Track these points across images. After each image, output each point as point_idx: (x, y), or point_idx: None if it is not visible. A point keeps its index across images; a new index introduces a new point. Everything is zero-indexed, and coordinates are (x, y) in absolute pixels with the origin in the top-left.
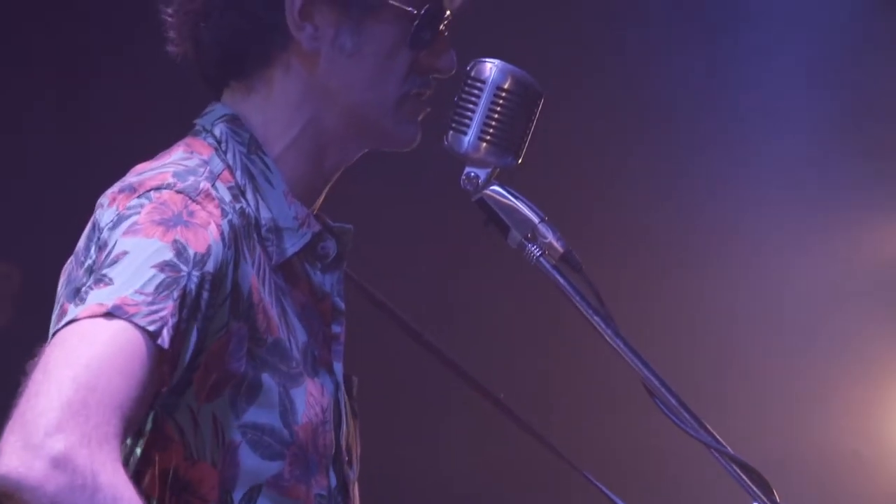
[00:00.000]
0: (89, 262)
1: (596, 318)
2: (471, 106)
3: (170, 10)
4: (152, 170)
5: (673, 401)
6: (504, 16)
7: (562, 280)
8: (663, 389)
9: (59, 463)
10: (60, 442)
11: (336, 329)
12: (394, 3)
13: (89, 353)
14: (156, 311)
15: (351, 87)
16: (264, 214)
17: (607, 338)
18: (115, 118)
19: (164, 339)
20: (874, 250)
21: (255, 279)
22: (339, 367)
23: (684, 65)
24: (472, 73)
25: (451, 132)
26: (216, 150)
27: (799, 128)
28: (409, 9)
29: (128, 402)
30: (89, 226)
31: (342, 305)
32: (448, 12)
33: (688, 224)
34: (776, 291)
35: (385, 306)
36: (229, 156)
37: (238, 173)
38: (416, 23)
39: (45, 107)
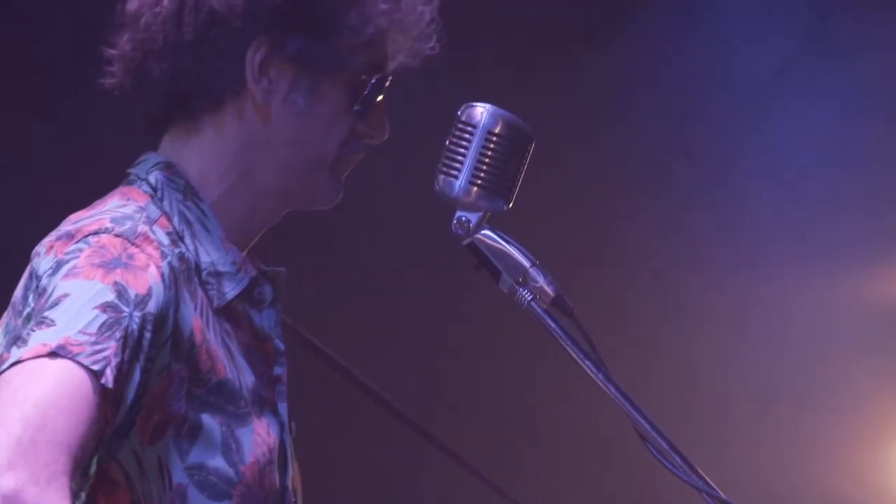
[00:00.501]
0: (28, 310)
1: (587, 362)
2: (462, 150)
3: (117, 43)
4: (89, 217)
5: (664, 444)
6: (494, 55)
7: (553, 324)
8: (655, 433)
9: (9, 500)
10: (10, 480)
11: (278, 370)
12: (350, 69)
13: (36, 392)
14: (99, 351)
15: (293, 143)
16: (204, 259)
17: (599, 382)
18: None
19: (108, 378)
20: (874, 294)
21: (198, 320)
22: (283, 408)
23: (684, 104)
24: (463, 118)
25: (441, 176)
26: (152, 197)
27: (803, 171)
28: (363, 77)
29: (75, 440)
30: (26, 275)
31: (282, 346)
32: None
33: (685, 268)
34: (774, 336)
35: (319, 349)
36: (165, 203)
37: (175, 219)
38: (366, 91)
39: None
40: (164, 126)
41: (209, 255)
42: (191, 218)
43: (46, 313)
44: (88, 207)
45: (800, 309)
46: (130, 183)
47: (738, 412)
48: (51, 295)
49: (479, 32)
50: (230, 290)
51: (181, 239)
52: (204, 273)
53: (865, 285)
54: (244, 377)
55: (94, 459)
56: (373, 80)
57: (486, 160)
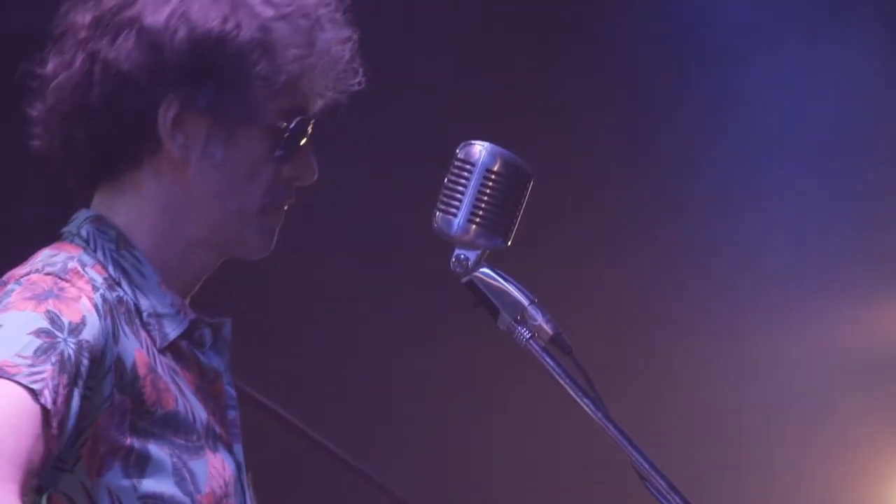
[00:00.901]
0: None
1: (585, 400)
2: (460, 188)
3: (37, 106)
4: (21, 268)
5: (663, 484)
6: (495, 90)
7: (551, 362)
8: (654, 473)
9: None
10: None
11: (231, 414)
12: (265, 117)
13: None
14: (37, 373)
15: (215, 196)
16: (143, 302)
17: (597, 420)
18: None
19: (47, 398)
20: (875, 333)
21: (141, 353)
22: (238, 449)
23: (689, 147)
24: (462, 156)
25: (440, 214)
26: (84, 248)
27: (801, 208)
28: (280, 124)
29: (22, 452)
30: None
31: (234, 392)
32: (312, 122)
33: (685, 309)
34: (775, 374)
35: (264, 405)
36: (99, 253)
37: (110, 267)
38: (285, 136)
39: None
40: (92, 186)
41: (148, 298)
42: (126, 265)
43: None
44: (21, 264)
45: (798, 351)
46: (62, 239)
47: (736, 452)
48: None
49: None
50: (172, 331)
51: (118, 284)
52: (144, 315)
53: (862, 326)
54: (196, 412)
55: (45, 498)
56: (291, 125)
57: (485, 198)
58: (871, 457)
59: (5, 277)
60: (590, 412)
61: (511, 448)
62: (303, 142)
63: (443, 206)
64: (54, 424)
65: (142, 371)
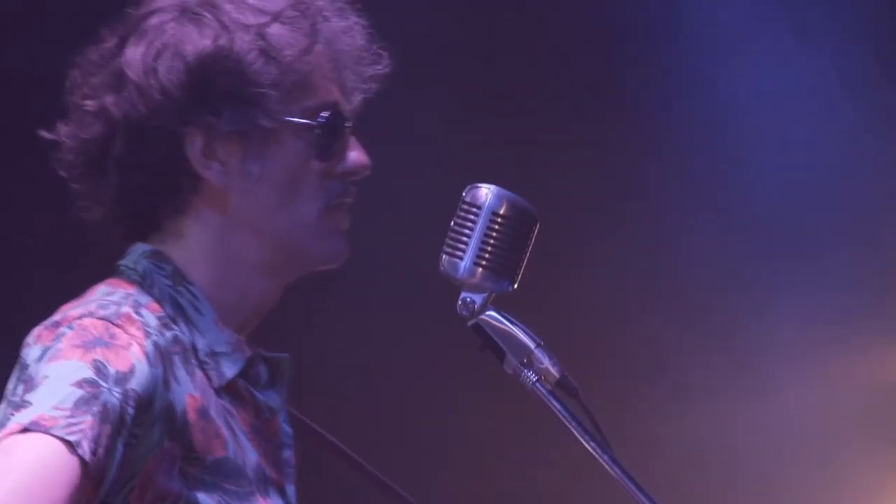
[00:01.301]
0: (14, 397)
1: (592, 443)
2: (467, 231)
3: (66, 174)
4: (76, 307)
5: None
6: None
7: (558, 405)
8: None
9: None
10: None
11: (286, 453)
12: (290, 120)
13: (12, 466)
14: (74, 424)
15: (266, 213)
16: (199, 340)
17: (604, 464)
18: None
19: (85, 450)
20: (878, 376)
21: (193, 399)
22: (291, 490)
23: (694, 197)
24: (468, 199)
25: (446, 257)
26: (140, 285)
27: (808, 255)
28: (307, 122)
29: None
30: (17, 366)
31: (289, 430)
32: (347, 115)
33: (692, 351)
34: (780, 419)
35: (325, 438)
36: (155, 290)
37: (167, 305)
38: (318, 134)
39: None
40: (143, 239)
41: (204, 336)
42: (182, 302)
43: (26, 397)
44: (77, 298)
45: (807, 390)
46: (119, 274)
47: (742, 493)
48: (34, 380)
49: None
50: (228, 370)
51: (174, 322)
52: (200, 353)
53: (871, 365)
54: (247, 456)
55: None
56: (319, 121)
57: (491, 241)
58: (877, 491)
59: (59, 317)
60: (596, 455)
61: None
62: (339, 135)
63: (449, 249)
64: (94, 477)
65: (192, 417)
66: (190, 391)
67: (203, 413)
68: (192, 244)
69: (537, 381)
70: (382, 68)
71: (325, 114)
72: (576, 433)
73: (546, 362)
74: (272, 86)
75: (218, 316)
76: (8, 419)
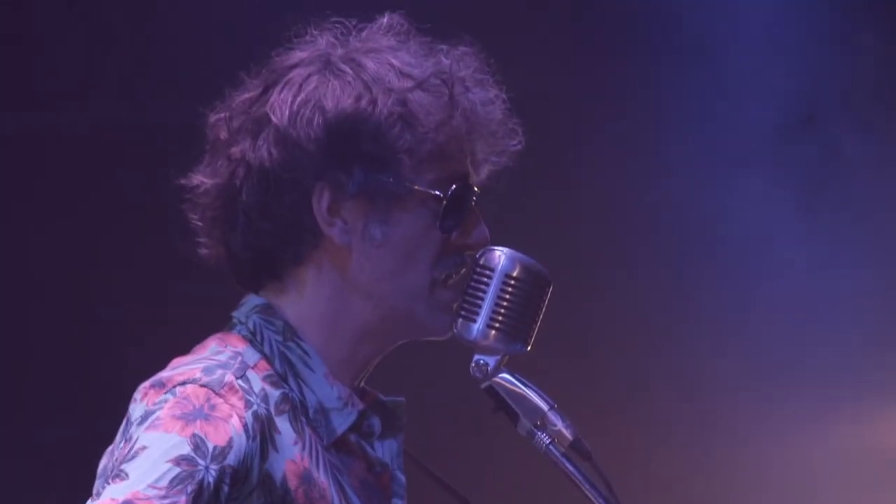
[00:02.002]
0: (117, 453)
1: None
2: (480, 294)
3: (196, 216)
4: (185, 364)
5: None
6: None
7: (571, 468)
8: None
9: None
10: None
11: (396, 503)
12: (420, 189)
13: None
14: None
15: (382, 277)
16: (309, 397)
17: None
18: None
19: None
20: (881, 436)
21: (294, 465)
22: None
23: (695, 255)
24: (482, 261)
25: (460, 320)
26: (251, 342)
27: (808, 309)
28: (437, 193)
29: None
30: (125, 418)
31: (402, 479)
32: (475, 188)
33: (701, 414)
34: (783, 470)
35: (441, 482)
36: (265, 346)
37: (276, 362)
38: (444, 205)
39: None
40: (258, 287)
41: (314, 392)
42: (292, 358)
43: (123, 466)
44: (190, 352)
45: (811, 448)
46: (231, 328)
47: None
48: (133, 445)
49: None
50: (339, 426)
51: (284, 380)
52: (311, 411)
53: (865, 431)
54: None
55: None
56: (448, 193)
57: (504, 304)
58: None
59: (166, 375)
60: None
61: None
62: (465, 208)
63: (463, 312)
64: None
65: (293, 483)
66: (291, 457)
67: (305, 478)
68: (307, 298)
69: (550, 443)
70: (516, 144)
71: (454, 186)
72: (589, 496)
73: (559, 424)
74: (407, 152)
75: (329, 370)
76: (104, 487)
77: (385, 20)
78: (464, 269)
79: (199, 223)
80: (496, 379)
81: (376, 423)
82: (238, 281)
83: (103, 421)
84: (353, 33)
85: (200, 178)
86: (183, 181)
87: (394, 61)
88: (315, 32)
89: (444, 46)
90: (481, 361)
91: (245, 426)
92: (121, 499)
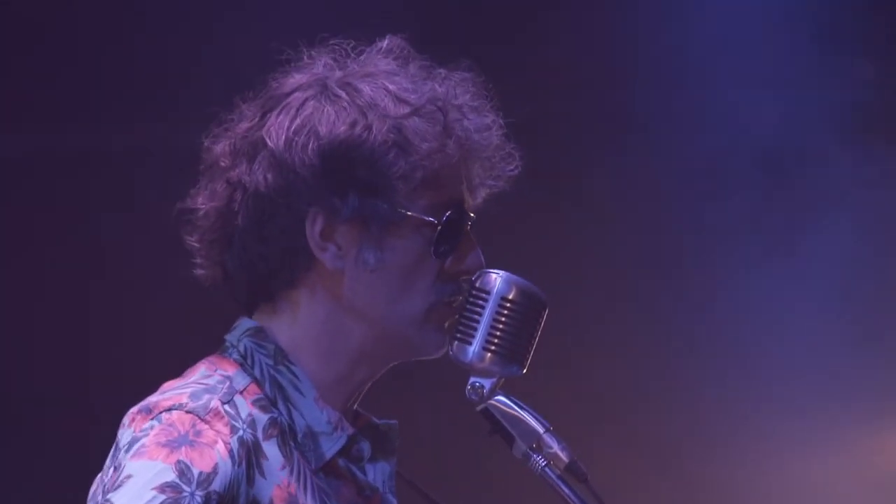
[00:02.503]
0: (106, 480)
1: None
2: (476, 316)
3: (194, 238)
4: (173, 389)
5: None
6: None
7: (567, 491)
8: None
9: None
10: None
11: None
12: (414, 215)
13: None
14: None
15: (376, 302)
16: (298, 421)
17: None
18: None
19: None
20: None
21: (280, 490)
22: None
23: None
24: (477, 284)
25: (455, 342)
26: (242, 365)
27: (811, 340)
28: (430, 219)
29: None
30: (114, 443)
31: (394, 501)
32: (471, 214)
33: (698, 434)
34: (781, 490)
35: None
36: (256, 370)
37: (267, 385)
38: (439, 231)
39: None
40: (252, 307)
41: (304, 416)
42: (283, 382)
43: (110, 495)
44: (180, 376)
45: (814, 471)
46: (223, 351)
47: None
48: (120, 474)
49: None
50: (328, 450)
51: (274, 404)
52: (299, 435)
53: (870, 451)
54: None
55: None
56: (443, 220)
57: (500, 326)
58: None
59: (153, 400)
60: None
61: None
62: (460, 234)
63: (459, 334)
64: None
65: None
66: (278, 482)
67: (293, 501)
68: (301, 321)
69: (546, 465)
70: (512, 169)
71: (448, 212)
72: None
73: (555, 447)
74: (401, 178)
75: (319, 394)
76: None
77: (385, 43)
78: (460, 296)
79: (197, 245)
80: (492, 401)
81: (366, 447)
82: (234, 301)
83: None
84: (352, 56)
85: (199, 201)
86: (181, 205)
87: (390, 86)
88: (313, 54)
89: (443, 70)
90: (477, 384)
91: (230, 452)
92: None
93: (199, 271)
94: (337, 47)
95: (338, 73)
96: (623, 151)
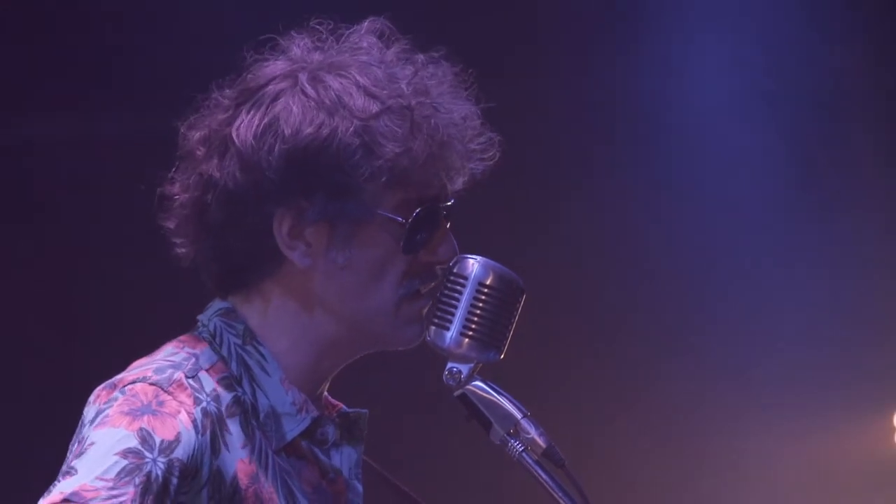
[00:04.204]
0: (70, 453)
1: None
2: (453, 301)
3: (171, 221)
4: (140, 367)
5: None
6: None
7: (544, 476)
8: None
9: None
10: None
11: None
12: (382, 213)
13: None
14: (115, 497)
15: (346, 297)
16: (262, 401)
17: None
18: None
19: None
20: (859, 446)
21: (245, 464)
22: None
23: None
24: (455, 269)
25: (433, 327)
26: (210, 343)
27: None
28: (399, 218)
29: None
30: (80, 420)
31: (360, 488)
32: (446, 203)
33: (679, 414)
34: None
35: (408, 496)
36: (224, 348)
37: (233, 364)
38: (407, 229)
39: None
40: (225, 291)
41: (267, 397)
42: (249, 362)
43: (73, 463)
44: (148, 355)
45: (790, 459)
46: (195, 330)
47: None
48: (84, 444)
49: None
50: (290, 431)
51: (238, 382)
52: (261, 415)
53: (848, 438)
54: None
55: None
56: (410, 219)
57: (478, 312)
58: None
59: (118, 377)
60: None
61: None
62: (432, 228)
63: (436, 320)
64: None
65: (243, 483)
66: (242, 457)
67: (255, 478)
68: (272, 310)
69: (524, 451)
70: (490, 157)
71: (418, 210)
72: (562, 503)
73: (532, 432)
74: (368, 180)
75: (286, 376)
76: (54, 486)
77: (366, 25)
78: (433, 283)
79: (172, 228)
80: (469, 387)
81: (331, 431)
82: (207, 281)
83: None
84: (332, 38)
85: (175, 190)
86: (159, 190)
87: (361, 80)
88: (294, 35)
89: (422, 56)
90: (454, 369)
91: (194, 421)
92: (68, 491)
93: (179, 250)
94: (317, 28)
95: (315, 60)
96: (622, 145)
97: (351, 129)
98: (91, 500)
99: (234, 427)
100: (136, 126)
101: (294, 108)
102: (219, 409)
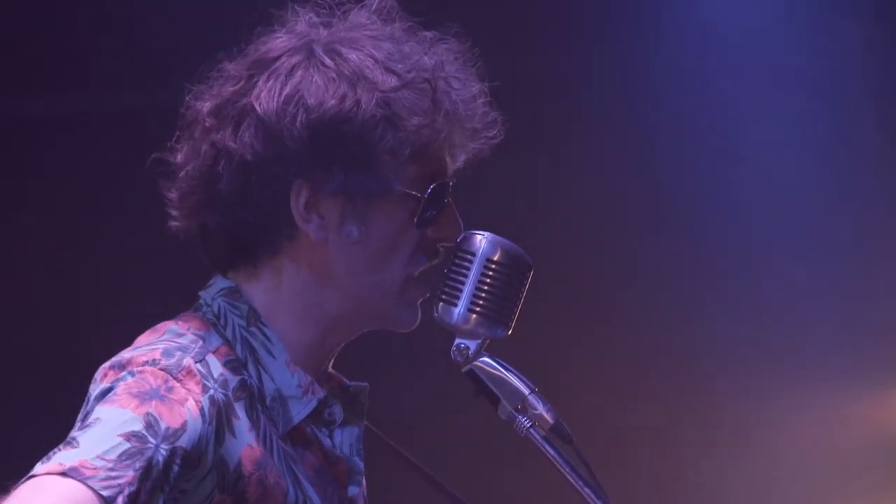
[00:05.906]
0: (75, 427)
1: (587, 489)
2: (461, 278)
3: (172, 192)
4: (147, 345)
5: None
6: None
7: (552, 451)
8: None
9: None
10: None
11: (353, 491)
12: (399, 189)
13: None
14: (114, 478)
15: (357, 272)
16: (268, 385)
17: None
18: None
19: None
20: (868, 420)
21: (250, 450)
22: None
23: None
24: (463, 245)
25: (441, 304)
26: (215, 325)
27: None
28: (415, 193)
29: None
30: (86, 398)
31: (360, 464)
32: (452, 180)
33: (684, 392)
34: (772, 458)
35: (410, 462)
36: (228, 331)
37: (238, 347)
38: (422, 204)
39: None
40: (228, 269)
41: (273, 380)
42: (254, 344)
43: (76, 434)
44: (151, 331)
45: (799, 434)
46: (197, 309)
47: None
48: (88, 418)
49: None
50: (296, 414)
51: (244, 366)
52: (268, 399)
53: (858, 414)
54: (310, 501)
55: None
56: (426, 193)
57: (486, 287)
58: None
59: (126, 357)
60: (590, 501)
61: None
62: (442, 204)
63: (444, 296)
64: None
65: (248, 469)
66: (248, 442)
67: (261, 464)
68: (279, 286)
69: (531, 426)
70: (495, 136)
71: (433, 185)
72: (570, 479)
73: (540, 408)
74: (389, 153)
75: (291, 357)
76: (55, 453)
77: (375, 4)
78: (437, 260)
79: (175, 198)
80: (477, 363)
81: (338, 410)
82: (209, 259)
83: None
84: (338, 14)
85: (180, 158)
86: (161, 156)
87: (377, 54)
88: (297, 9)
89: (429, 34)
90: (462, 345)
91: (201, 410)
92: (68, 465)
93: (174, 223)
94: (320, 2)
95: (323, 34)
96: (621, 142)
97: (374, 101)
98: (89, 478)
99: (240, 411)
100: (136, 103)
101: (316, 79)
102: (226, 394)
